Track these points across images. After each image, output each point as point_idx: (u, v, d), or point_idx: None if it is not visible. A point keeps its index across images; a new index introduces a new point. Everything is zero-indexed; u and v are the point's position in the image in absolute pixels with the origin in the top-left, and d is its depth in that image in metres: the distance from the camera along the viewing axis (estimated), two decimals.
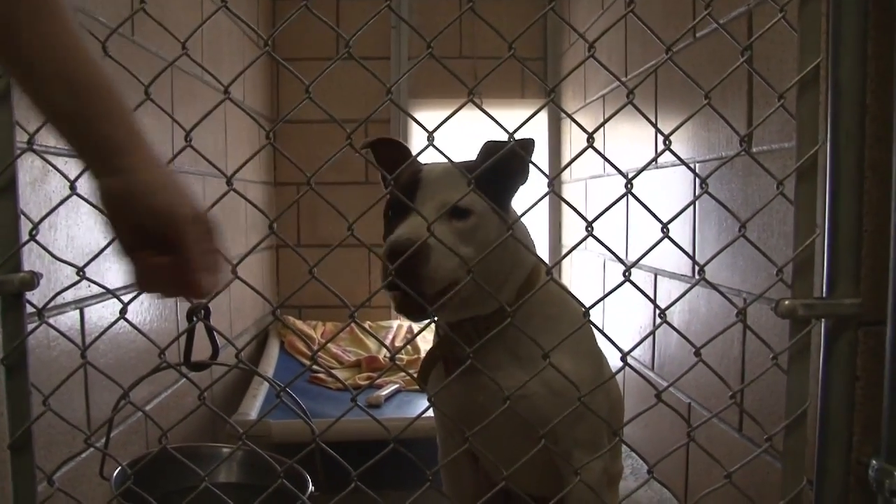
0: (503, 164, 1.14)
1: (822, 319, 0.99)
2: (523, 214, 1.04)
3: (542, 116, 3.72)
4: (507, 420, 1.09)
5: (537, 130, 3.69)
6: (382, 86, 0.91)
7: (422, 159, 1.20)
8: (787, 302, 0.97)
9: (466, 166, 1.24)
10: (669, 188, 2.02)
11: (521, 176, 1.31)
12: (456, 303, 1.23)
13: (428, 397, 1.13)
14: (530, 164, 1.24)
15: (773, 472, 1.40)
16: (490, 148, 1.26)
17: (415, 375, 1.32)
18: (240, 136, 2.93)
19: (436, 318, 1.33)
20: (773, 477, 1.40)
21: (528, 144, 1.22)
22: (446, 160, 1.03)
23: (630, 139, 2.41)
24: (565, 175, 3.40)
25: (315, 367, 2.81)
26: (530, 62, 3.66)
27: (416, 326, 3.51)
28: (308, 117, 3.50)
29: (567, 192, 3.41)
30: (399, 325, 3.53)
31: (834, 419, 0.99)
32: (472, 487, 1.54)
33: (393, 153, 1.40)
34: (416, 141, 3.57)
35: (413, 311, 1.23)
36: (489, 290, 1.07)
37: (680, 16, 1.90)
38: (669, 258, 1.99)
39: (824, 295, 0.99)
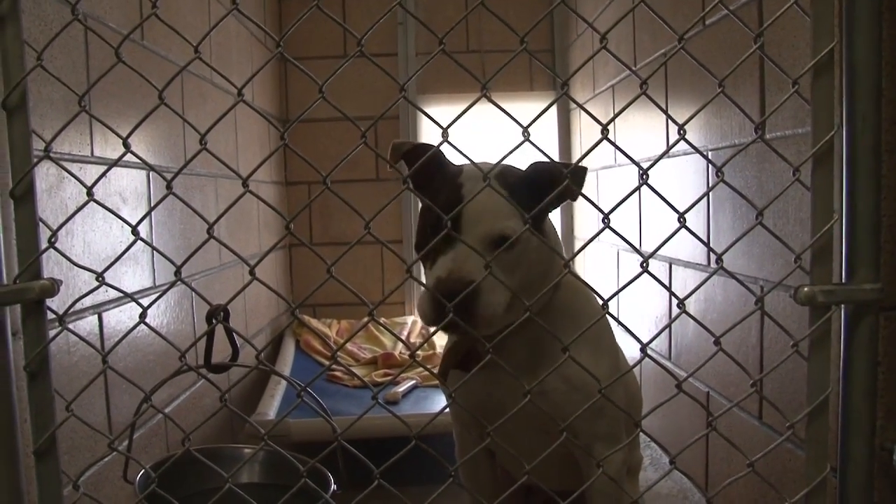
0: (547, 187, 1.12)
1: (843, 305, 0.98)
2: (538, 208, 1.04)
3: (552, 108, 3.72)
4: (525, 416, 1.09)
5: (547, 122, 3.68)
6: (393, 82, 0.91)
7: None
8: (806, 289, 0.97)
9: (508, 179, 1.23)
10: (682, 177, 2.01)
11: (561, 200, 1.25)
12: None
13: (448, 393, 1.13)
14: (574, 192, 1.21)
15: (795, 459, 1.40)
16: (539, 169, 1.25)
17: (432, 370, 1.32)
18: (251, 137, 2.94)
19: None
20: (795, 464, 1.40)
21: (581, 174, 1.20)
22: (484, 167, 1.01)
23: (641, 128, 2.41)
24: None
25: (333, 365, 2.83)
26: (538, 54, 3.66)
27: None
28: (316, 116, 3.51)
29: None
30: (414, 322, 3.54)
31: (856, 405, 0.98)
32: (490, 482, 1.54)
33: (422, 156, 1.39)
34: (426, 137, 3.57)
35: (458, 331, 1.23)
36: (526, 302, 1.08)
37: (688, 3, 1.89)
38: (684, 247, 1.98)
39: (844, 280, 0.98)
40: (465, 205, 1.18)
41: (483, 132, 2.50)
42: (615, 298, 1.27)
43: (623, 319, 2.66)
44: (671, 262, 2.09)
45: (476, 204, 1.19)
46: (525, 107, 3.49)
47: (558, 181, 1.08)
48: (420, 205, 1.29)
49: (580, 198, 1.06)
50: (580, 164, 1.15)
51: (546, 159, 1.03)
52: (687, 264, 1.99)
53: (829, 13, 0.98)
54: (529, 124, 0.95)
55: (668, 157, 2.06)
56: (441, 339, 2.58)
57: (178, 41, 1.39)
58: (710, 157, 1.80)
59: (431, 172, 1.30)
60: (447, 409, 1.17)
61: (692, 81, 1.94)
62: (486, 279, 1.12)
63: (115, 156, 1.52)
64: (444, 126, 0.92)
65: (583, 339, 1.05)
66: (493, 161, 1.08)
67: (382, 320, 3.68)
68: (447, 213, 1.03)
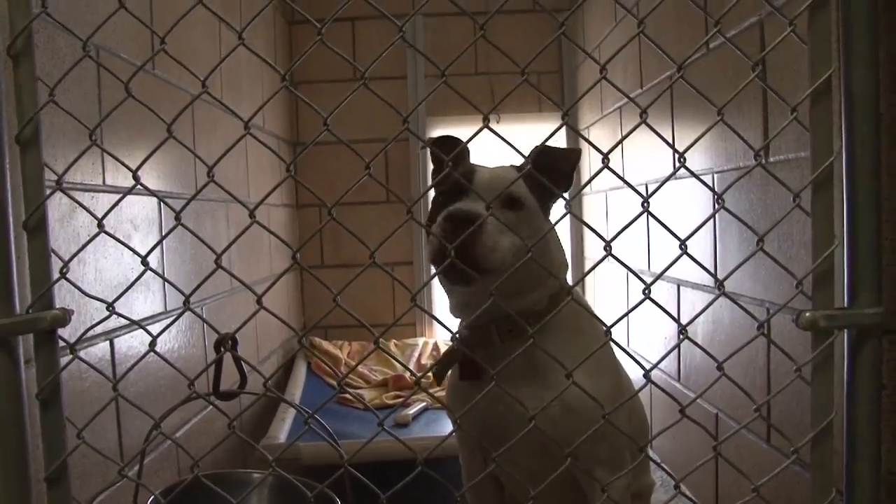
0: (549, 170, 1.17)
1: (846, 330, 0.99)
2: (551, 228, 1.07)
3: (561, 130, 3.73)
4: (526, 436, 1.09)
5: (556, 145, 3.69)
6: (404, 104, 0.93)
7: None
8: (808, 314, 0.97)
9: (518, 168, 1.34)
10: (690, 198, 2.02)
11: (563, 183, 1.36)
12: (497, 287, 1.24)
13: (454, 419, 1.14)
14: (573, 175, 1.34)
15: (803, 482, 1.39)
16: (542, 152, 1.31)
17: (439, 396, 1.33)
18: (261, 162, 2.97)
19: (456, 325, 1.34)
20: (803, 487, 1.39)
21: (575, 155, 1.33)
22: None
23: (649, 148, 2.42)
24: (585, 188, 3.40)
25: (342, 389, 2.83)
26: (546, 76, 3.68)
27: (442, 344, 3.52)
28: (327, 139, 3.53)
29: (588, 204, 3.41)
30: (425, 343, 3.54)
31: (861, 429, 0.98)
32: None
33: (452, 150, 1.45)
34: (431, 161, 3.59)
35: (458, 279, 1.26)
36: (546, 268, 1.14)
37: (693, 24, 1.91)
38: (692, 269, 1.99)
39: (846, 305, 0.99)
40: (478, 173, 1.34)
41: (494, 153, 2.52)
42: (624, 319, 1.28)
43: (632, 340, 2.66)
44: (679, 284, 2.10)
45: (489, 174, 1.34)
46: (534, 128, 3.52)
47: (560, 162, 1.25)
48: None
49: (588, 221, 1.07)
50: (576, 148, 1.25)
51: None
52: (695, 286, 2.00)
53: (826, 40, 0.99)
54: (532, 152, 0.97)
55: (676, 178, 2.07)
56: None
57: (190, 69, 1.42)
58: (715, 179, 1.81)
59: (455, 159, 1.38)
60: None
61: (697, 103, 1.95)
62: (491, 224, 1.22)
63: (127, 184, 1.55)
64: (448, 156, 0.94)
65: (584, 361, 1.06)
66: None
67: (393, 342, 3.66)
68: (459, 184, 1.08)
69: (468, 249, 1.19)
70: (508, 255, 1.26)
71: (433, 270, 1.20)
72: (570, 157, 1.36)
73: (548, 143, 1.09)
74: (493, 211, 1.03)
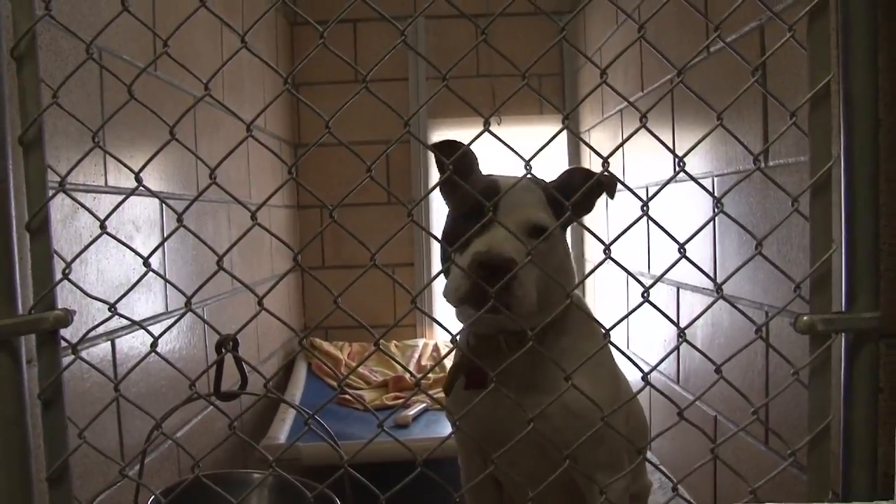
0: (575, 192, 1.16)
1: (843, 333, 0.99)
2: (546, 235, 1.06)
3: (562, 133, 3.74)
4: (526, 439, 1.10)
5: (557, 148, 3.70)
6: (406, 106, 0.93)
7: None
8: (805, 318, 0.98)
9: (540, 183, 1.30)
10: (690, 200, 2.02)
11: (586, 207, 1.36)
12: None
13: (453, 421, 1.14)
14: (595, 200, 1.33)
15: (800, 484, 1.40)
16: (574, 173, 1.32)
17: (438, 397, 1.33)
18: (262, 164, 2.97)
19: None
20: (800, 489, 1.40)
21: (612, 183, 1.30)
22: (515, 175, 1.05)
23: (649, 151, 2.42)
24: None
25: (341, 389, 2.84)
26: (547, 78, 3.69)
27: (442, 345, 3.53)
28: (329, 140, 3.54)
29: None
30: (425, 344, 3.55)
31: (858, 432, 0.99)
32: None
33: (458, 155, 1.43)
34: (434, 165, 3.60)
35: (479, 303, 1.17)
36: (564, 287, 1.11)
37: (694, 29, 1.91)
38: (692, 272, 1.99)
39: (844, 309, 0.99)
40: (504, 193, 1.24)
41: (496, 155, 2.53)
42: (624, 321, 1.30)
43: (632, 343, 2.65)
44: (679, 287, 2.10)
45: (512, 196, 1.24)
46: (534, 130, 3.52)
47: (594, 192, 1.21)
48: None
49: (587, 223, 1.08)
50: (612, 175, 1.22)
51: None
52: (695, 289, 2.00)
53: (825, 45, 1.00)
54: (532, 157, 0.97)
55: (676, 182, 2.07)
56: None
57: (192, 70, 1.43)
58: (715, 183, 1.82)
59: (461, 175, 1.33)
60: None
61: (698, 106, 1.96)
62: (523, 266, 1.16)
63: (129, 185, 1.55)
64: (448, 160, 0.94)
65: (582, 365, 1.06)
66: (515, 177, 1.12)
67: (394, 343, 3.65)
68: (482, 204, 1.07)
69: (499, 297, 1.12)
70: (535, 292, 1.24)
71: (436, 272, 1.20)
72: (599, 188, 1.33)
73: (581, 167, 1.08)
74: (523, 252, 1.02)
